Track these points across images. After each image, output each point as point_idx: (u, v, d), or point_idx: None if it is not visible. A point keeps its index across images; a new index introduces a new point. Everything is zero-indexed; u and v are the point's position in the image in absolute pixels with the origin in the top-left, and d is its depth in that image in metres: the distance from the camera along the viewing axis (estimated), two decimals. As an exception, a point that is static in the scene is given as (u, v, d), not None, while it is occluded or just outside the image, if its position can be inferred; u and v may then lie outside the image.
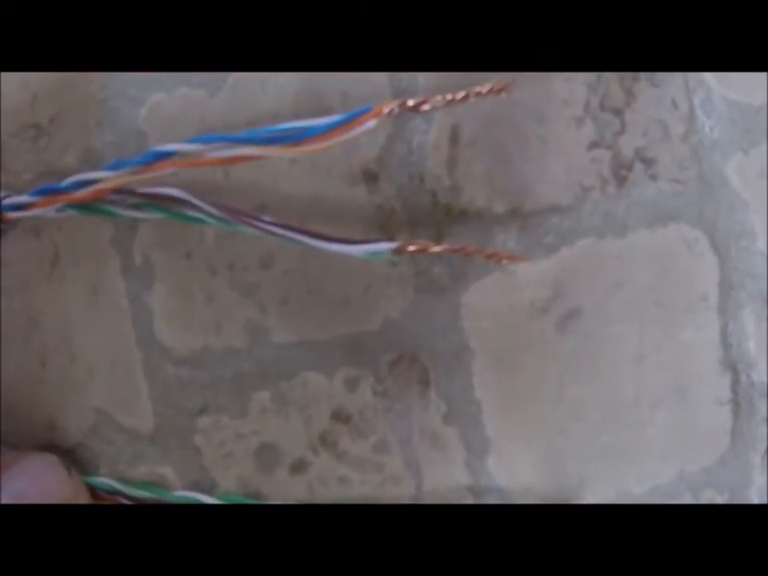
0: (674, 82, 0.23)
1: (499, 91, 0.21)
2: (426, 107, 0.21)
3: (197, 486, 0.25)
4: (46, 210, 0.24)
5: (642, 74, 0.23)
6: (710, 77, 0.24)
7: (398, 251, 0.21)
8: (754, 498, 0.25)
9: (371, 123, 0.21)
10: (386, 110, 0.21)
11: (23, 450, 0.26)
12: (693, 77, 0.24)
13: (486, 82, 0.20)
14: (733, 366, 0.24)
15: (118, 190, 0.23)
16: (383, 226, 0.23)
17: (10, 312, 0.26)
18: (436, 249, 0.21)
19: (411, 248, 0.21)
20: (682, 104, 0.24)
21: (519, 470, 0.24)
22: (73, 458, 0.26)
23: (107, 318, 0.25)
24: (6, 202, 0.24)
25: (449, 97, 0.21)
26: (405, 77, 0.23)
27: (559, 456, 0.24)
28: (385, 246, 0.21)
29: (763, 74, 0.24)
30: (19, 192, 0.24)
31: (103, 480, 0.26)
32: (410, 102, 0.21)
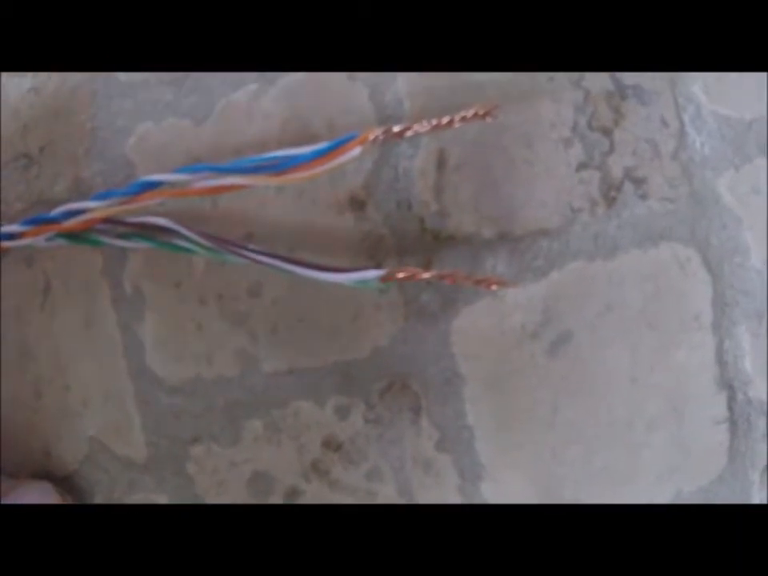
0: (662, 99, 0.23)
1: (484, 116, 0.21)
2: (410, 133, 0.21)
3: (191, 514, 0.25)
4: (37, 240, 0.24)
5: (631, 93, 0.23)
6: (699, 93, 0.23)
7: (386, 278, 0.21)
8: (754, 515, 0.25)
9: (357, 150, 0.21)
10: (371, 136, 0.21)
11: (19, 478, 0.26)
12: (682, 93, 0.23)
13: (474, 100, 0.20)
14: (729, 384, 0.24)
15: (107, 220, 0.23)
16: (371, 253, 0.23)
17: (5, 342, 0.26)
18: (425, 275, 0.21)
19: (400, 275, 0.21)
20: (672, 121, 0.23)
21: (514, 496, 0.24)
22: (69, 486, 0.26)
23: (100, 349, 0.25)
24: (-1, 231, 0.24)
25: (433, 122, 0.21)
26: (390, 104, 0.23)
27: (554, 480, 0.24)
28: (373, 273, 0.21)
29: (754, 89, 0.24)
30: (11, 221, 0.24)
31: (99, 508, 0.26)
32: (395, 129, 0.21)
